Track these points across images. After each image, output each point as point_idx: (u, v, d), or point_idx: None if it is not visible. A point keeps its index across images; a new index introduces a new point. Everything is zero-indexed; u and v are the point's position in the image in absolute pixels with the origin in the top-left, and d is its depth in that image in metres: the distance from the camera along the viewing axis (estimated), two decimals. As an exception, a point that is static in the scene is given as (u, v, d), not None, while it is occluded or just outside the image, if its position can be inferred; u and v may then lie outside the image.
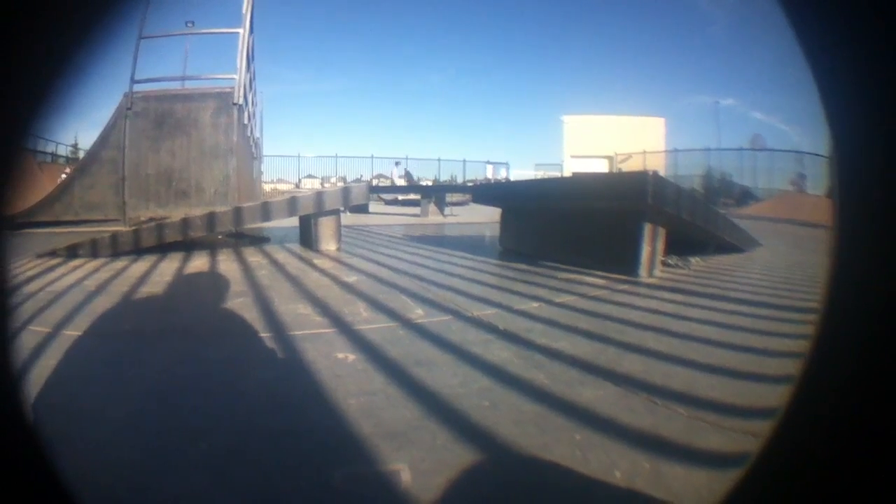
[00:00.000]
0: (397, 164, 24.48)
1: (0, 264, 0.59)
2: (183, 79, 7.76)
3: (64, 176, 9.32)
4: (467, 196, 15.18)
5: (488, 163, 30.65)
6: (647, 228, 3.75)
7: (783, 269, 4.75)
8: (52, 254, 4.84)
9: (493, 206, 6.33)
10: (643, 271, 3.76)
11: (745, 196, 21.13)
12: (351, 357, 2.02)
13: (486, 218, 9.06)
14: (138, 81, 7.14)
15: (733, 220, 5.28)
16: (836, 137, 0.51)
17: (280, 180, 27.54)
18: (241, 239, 6.31)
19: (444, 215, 13.58)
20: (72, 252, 4.89)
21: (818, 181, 18.92)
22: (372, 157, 29.49)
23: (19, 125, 0.54)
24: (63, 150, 21.67)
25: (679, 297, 3.18)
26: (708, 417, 1.53)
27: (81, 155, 13.39)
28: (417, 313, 2.70)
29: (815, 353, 0.55)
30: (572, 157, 28.48)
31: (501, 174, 30.09)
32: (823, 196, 16.07)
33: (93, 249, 4.93)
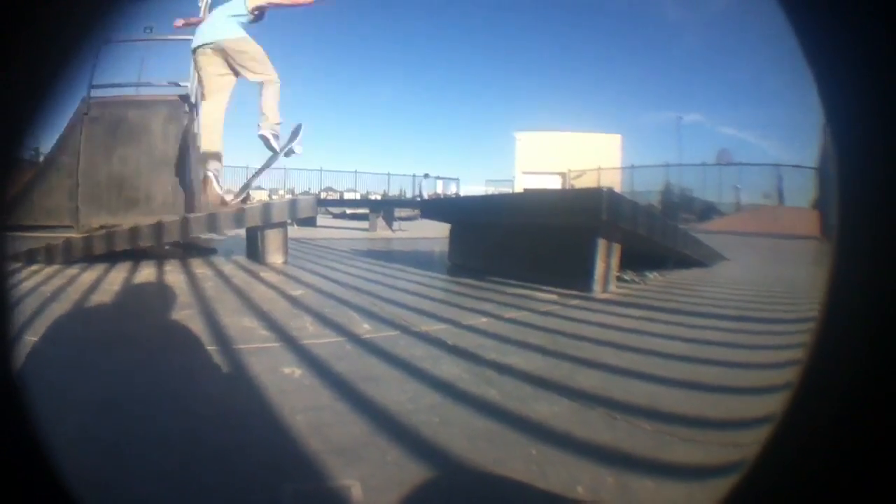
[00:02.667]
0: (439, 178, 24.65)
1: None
2: (139, 85, 7.61)
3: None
4: (416, 211, 15.20)
5: (438, 178, 30.85)
6: (602, 244, 3.76)
7: (743, 283, 4.88)
8: (13, 258, 4.71)
9: (443, 221, 6.30)
10: (597, 287, 3.76)
11: (708, 211, 21.62)
12: (297, 372, 1.97)
13: (434, 233, 9.08)
14: (96, 87, 6.98)
15: (695, 236, 5.32)
16: (837, 142, 0.51)
17: (228, 191, 27.16)
18: (189, 250, 6.19)
19: (393, 230, 13.54)
20: (30, 258, 4.85)
21: (793, 193, 19.51)
22: (321, 169, 29.38)
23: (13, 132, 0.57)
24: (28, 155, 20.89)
25: (632, 312, 3.20)
26: (669, 429, 1.54)
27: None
28: (364, 328, 2.66)
29: (812, 360, 0.55)
30: (524, 173, 28.90)
31: (451, 189, 30.27)
32: (800, 208, 16.63)
33: (48, 256, 4.90)
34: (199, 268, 4.98)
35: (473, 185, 32.27)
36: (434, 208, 7.04)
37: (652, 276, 4.50)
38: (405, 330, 2.66)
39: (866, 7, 0.48)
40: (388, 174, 30.27)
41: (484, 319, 2.93)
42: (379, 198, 24.87)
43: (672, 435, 1.52)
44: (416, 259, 6.56)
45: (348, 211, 19.10)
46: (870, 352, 0.48)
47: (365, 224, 14.25)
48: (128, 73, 7.61)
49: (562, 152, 27.98)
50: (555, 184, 27.76)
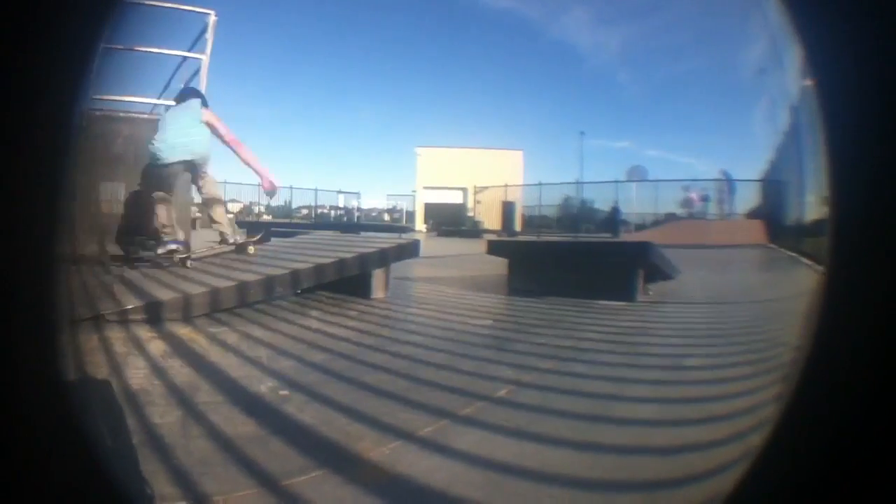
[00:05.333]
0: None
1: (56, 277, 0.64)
2: (141, 101, 7.48)
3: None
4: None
5: (339, 192, 29.72)
6: (640, 273, 5.83)
7: (716, 284, 6.55)
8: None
9: (502, 257, 6.89)
10: (638, 296, 5.73)
11: (613, 223, 22.60)
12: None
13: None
14: (96, 99, 6.05)
15: (662, 252, 6.11)
16: (830, 144, 0.55)
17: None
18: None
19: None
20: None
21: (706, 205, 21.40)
22: (315, 189, 28.43)
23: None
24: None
25: (663, 308, 4.96)
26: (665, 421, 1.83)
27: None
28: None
29: (807, 364, 0.58)
30: (425, 188, 29.53)
31: (353, 204, 29.46)
32: (722, 219, 18.83)
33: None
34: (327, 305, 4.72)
35: (374, 199, 32.22)
36: (497, 248, 7.70)
37: (651, 288, 6.30)
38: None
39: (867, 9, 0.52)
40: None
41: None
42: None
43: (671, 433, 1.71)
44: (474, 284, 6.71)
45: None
46: (862, 357, 0.52)
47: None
48: (124, 87, 7.24)
49: (463, 168, 28.52)
50: (457, 199, 28.78)
